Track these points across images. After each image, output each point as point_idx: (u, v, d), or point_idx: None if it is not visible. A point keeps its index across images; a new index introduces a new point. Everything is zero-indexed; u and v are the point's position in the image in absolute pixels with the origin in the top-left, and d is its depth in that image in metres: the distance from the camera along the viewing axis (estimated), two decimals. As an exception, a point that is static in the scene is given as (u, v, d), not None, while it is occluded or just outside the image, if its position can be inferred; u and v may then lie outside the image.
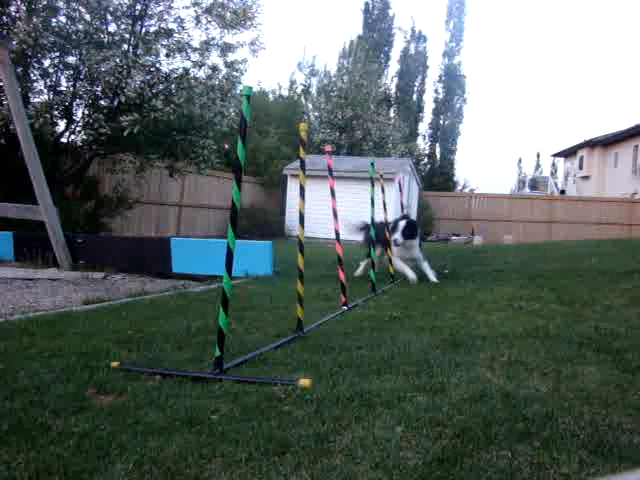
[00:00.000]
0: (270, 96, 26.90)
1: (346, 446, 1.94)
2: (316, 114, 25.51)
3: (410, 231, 6.40)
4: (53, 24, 8.91)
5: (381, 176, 7.22)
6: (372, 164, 6.17)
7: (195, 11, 10.08)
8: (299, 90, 27.87)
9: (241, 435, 2.03)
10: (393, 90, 31.26)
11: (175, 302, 4.93)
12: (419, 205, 21.66)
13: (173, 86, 9.82)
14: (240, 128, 2.93)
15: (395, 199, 15.38)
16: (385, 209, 6.51)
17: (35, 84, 9.50)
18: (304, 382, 2.54)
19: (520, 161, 59.88)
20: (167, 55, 10.19)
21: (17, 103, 7.20)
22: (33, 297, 5.38)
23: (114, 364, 2.81)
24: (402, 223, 6.42)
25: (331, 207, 4.86)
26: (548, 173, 45.09)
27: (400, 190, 7.46)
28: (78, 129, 10.08)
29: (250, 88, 2.97)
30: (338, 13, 72.90)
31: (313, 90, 27.17)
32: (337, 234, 4.81)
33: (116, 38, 9.74)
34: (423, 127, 32.58)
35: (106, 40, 9.55)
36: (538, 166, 54.30)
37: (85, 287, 6.15)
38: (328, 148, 4.88)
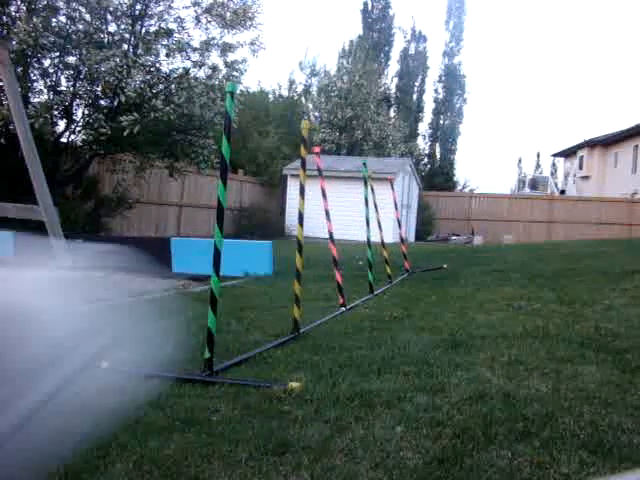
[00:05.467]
0: (270, 96, 26.87)
1: (346, 446, 1.94)
2: (316, 114, 25.51)
3: None
4: (53, 24, 8.92)
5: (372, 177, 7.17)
6: (364, 163, 6.21)
7: (195, 11, 10.09)
8: (300, 90, 27.86)
9: (241, 435, 2.03)
10: (393, 90, 31.22)
11: (175, 302, 4.93)
12: (419, 205, 21.65)
13: (173, 86, 9.82)
14: (224, 126, 2.93)
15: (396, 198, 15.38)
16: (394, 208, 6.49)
17: (35, 84, 9.51)
18: (294, 385, 2.49)
19: (520, 161, 59.57)
20: (167, 55, 10.20)
21: (17, 103, 7.19)
22: (33, 297, 5.37)
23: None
24: None
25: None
26: (548, 173, 45.09)
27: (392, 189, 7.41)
28: (78, 129, 10.08)
29: (234, 85, 3.01)
30: (339, 12, 72.87)
31: (314, 90, 27.16)
32: (331, 235, 4.79)
33: (116, 38, 9.74)
34: (423, 127, 32.57)
35: (106, 40, 9.55)
36: (538, 166, 54.21)
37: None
38: (316, 149, 4.97)
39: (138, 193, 12.47)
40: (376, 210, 6.46)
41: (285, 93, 27.52)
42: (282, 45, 60.10)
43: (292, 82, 27.68)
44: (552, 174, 43.61)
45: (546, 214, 21.84)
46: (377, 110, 25.29)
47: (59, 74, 9.63)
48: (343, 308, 4.57)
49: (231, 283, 6.24)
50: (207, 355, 2.75)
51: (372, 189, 6.59)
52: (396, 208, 7.01)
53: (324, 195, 4.89)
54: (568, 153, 33.34)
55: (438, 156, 31.82)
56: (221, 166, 2.94)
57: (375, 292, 5.49)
